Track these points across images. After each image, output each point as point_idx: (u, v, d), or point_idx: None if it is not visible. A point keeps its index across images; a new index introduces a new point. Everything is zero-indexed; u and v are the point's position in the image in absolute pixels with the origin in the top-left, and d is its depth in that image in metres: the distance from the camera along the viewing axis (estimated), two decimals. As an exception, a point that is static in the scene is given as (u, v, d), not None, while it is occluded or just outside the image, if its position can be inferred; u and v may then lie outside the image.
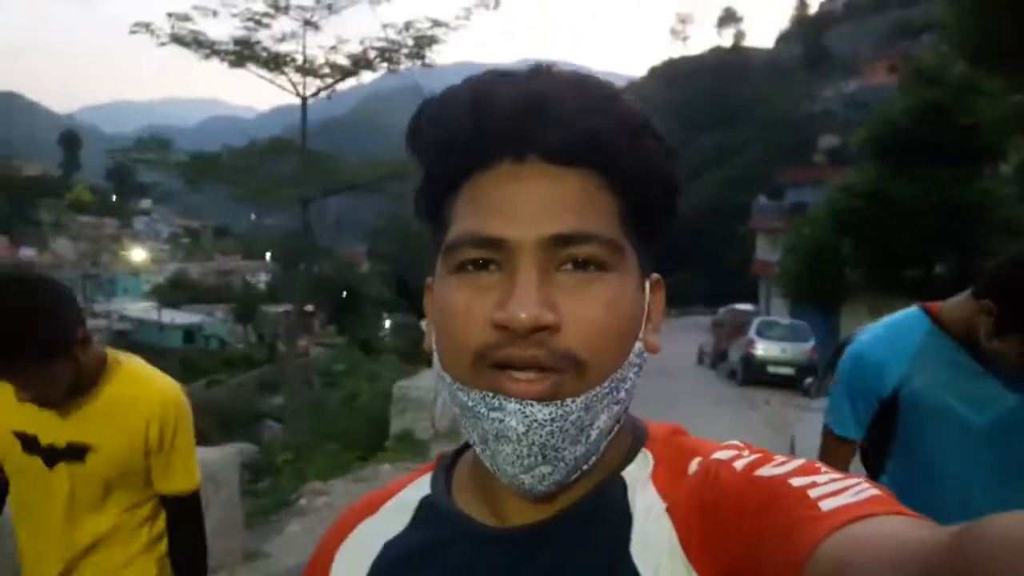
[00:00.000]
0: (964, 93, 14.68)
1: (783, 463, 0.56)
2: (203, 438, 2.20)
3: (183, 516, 1.88)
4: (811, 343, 17.56)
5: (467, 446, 0.70)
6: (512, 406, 0.56)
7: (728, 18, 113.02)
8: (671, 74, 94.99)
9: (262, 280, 66.63)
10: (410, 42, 16.70)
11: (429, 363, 0.68)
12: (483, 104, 0.57)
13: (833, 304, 19.62)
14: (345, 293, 41.89)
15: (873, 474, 1.87)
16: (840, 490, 0.50)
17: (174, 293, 56.20)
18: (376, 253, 54.57)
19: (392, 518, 0.70)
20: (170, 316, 49.93)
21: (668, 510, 0.58)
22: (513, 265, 0.57)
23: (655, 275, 0.66)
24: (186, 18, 15.72)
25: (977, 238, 15.08)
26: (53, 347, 1.60)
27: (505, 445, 0.57)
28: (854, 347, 1.89)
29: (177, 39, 15.87)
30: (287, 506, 6.75)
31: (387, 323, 40.27)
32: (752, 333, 17.86)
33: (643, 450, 0.64)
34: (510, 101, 0.57)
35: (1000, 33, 9.25)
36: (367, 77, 18.35)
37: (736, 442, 0.63)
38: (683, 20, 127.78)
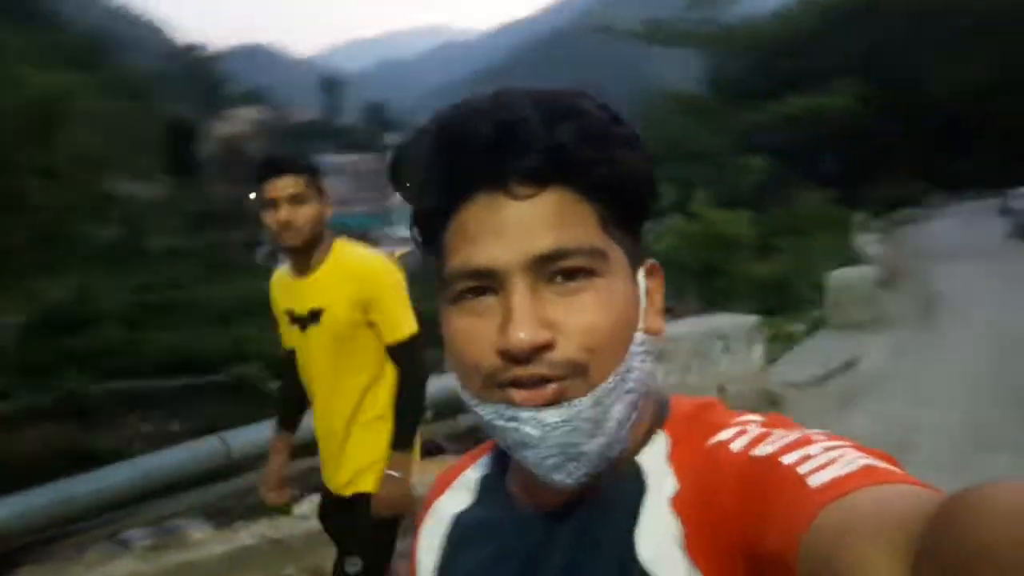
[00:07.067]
0: None
1: (779, 439, 0.56)
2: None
3: (403, 358, 2.30)
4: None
5: None
6: (525, 414, 0.59)
7: None
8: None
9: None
10: None
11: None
12: (451, 144, 0.59)
13: None
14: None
15: None
16: (830, 462, 0.50)
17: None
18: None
19: (459, 494, 0.77)
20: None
21: (672, 499, 0.60)
22: (506, 290, 0.59)
23: (650, 261, 0.67)
24: None
25: None
26: (315, 172, 2.26)
27: (527, 451, 0.60)
28: None
29: None
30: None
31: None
32: None
33: (659, 431, 0.66)
34: (477, 136, 0.58)
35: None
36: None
37: (750, 416, 0.63)
38: None
